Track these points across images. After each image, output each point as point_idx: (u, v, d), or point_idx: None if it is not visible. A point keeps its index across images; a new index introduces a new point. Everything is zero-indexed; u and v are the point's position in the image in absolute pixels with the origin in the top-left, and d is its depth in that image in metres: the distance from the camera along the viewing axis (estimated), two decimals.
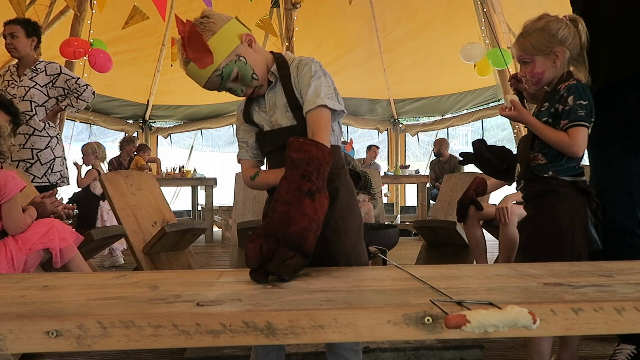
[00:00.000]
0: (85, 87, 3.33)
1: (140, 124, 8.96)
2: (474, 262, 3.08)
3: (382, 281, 0.97)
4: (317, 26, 7.34)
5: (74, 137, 7.95)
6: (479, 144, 1.95)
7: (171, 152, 9.45)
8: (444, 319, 0.66)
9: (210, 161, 10.55)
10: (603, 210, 1.69)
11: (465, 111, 8.55)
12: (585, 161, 1.74)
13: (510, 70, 6.59)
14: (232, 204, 3.84)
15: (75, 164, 5.28)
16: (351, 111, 8.42)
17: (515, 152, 1.91)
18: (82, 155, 5.30)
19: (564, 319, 0.72)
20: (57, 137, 3.35)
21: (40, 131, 3.24)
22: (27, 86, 3.22)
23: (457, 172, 6.10)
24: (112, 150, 7.67)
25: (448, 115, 8.84)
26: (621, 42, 1.71)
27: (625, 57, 1.70)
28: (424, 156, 10.04)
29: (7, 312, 0.73)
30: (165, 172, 7.21)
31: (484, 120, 8.45)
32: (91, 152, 5.20)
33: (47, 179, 3.24)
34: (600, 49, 1.71)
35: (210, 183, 6.53)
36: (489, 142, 1.99)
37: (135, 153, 6.99)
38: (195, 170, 7.43)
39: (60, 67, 3.36)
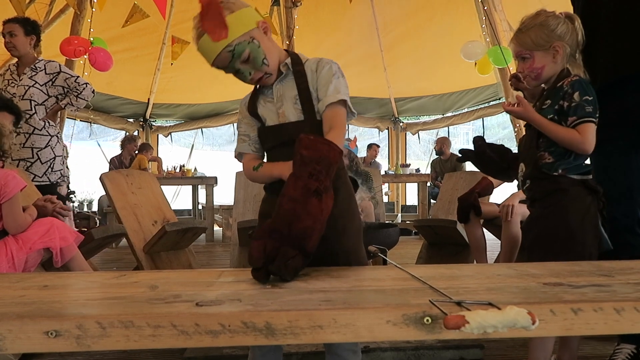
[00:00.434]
0: (84, 85, 3.33)
1: (141, 123, 8.96)
2: (474, 261, 3.08)
3: (382, 281, 0.97)
4: (318, 24, 7.34)
5: (74, 136, 7.96)
6: (480, 141, 1.91)
7: (172, 151, 9.45)
8: (443, 320, 0.66)
9: (210, 160, 10.55)
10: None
11: (466, 109, 8.54)
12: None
13: (510, 68, 6.59)
14: (232, 203, 3.85)
15: None
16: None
17: (515, 150, 1.89)
18: None
19: (563, 319, 0.72)
20: (57, 136, 3.35)
21: (40, 130, 3.24)
22: (27, 85, 3.22)
23: (459, 170, 6.10)
24: (113, 149, 7.69)
25: (449, 114, 8.84)
26: (621, 41, 1.71)
27: (626, 56, 1.70)
28: (424, 155, 10.04)
29: (6, 312, 0.73)
30: (166, 171, 7.22)
31: (484, 118, 8.43)
32: None
33: (48, 177, 3.24)
34: (600, 48, 1.71)
35: (210, 182, 6.52)
36: (490, 141, 1.96)
37: (136, 152, 7.00)
38: (195, 169, 7.44)
39: (59, 65, 3.36)
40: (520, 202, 2.82)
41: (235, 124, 8.89)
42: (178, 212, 6.19)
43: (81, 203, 7.47)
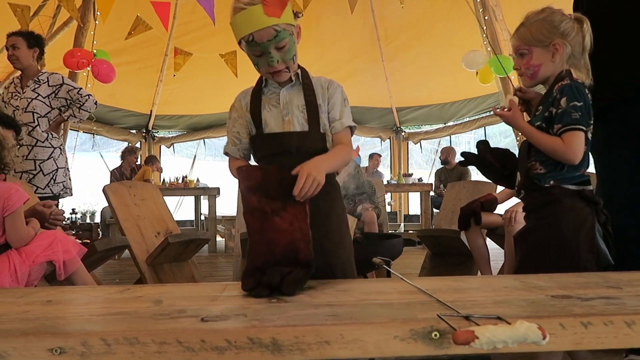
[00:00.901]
0: (87, 97, 3.35)
1: (143, 134, 8.99)
2: (479, 271, 3.06)
3: (388, 294, 0.96)
4: (319, 35, 7.36)
5: (77, 147, 7.98)
6: (483, 145, 1.84)
7: (174, 162, 9.46)
8: (452, 335, 0.65)
9: (213, 170, 10.55)
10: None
11: (467, 118, 8.54)
12: (592, 168, 1.65)
13: (512, 77, 6.60)
14: (235, 214, 3.84)
15: None
16: (354, 119, 8.41)
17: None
18: None
19: (573, 333, 0.71)
20: (60, 148, 3.36)
21: (43, 142, 3.25)
22: (30, 97, 3.24)
23: (464, 179, 6.10)
24: (116, 160, 7.70)
25: (450, 123, 8.84)
26: (625, 63, 1.68)
27: (630, 79, 1.66)
28: (426, 164, 10.02)
29: (10, 328, 0.73)
30: (168, 181, 7.22)
31: (486, 127, 8.42)
32: None
33: (50, 189, 3.24)
34: (605, 67, 1.64)
35: (213, 193, 6.52)
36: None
37: (137, 163, 7.02)
38: (198, 180, 7.44)
39: (62, 77, 3.38)
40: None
41: None
42: (180, 223, 6.20)
43: (84, 215, 7.47)
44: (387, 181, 7.67)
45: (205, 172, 9.16)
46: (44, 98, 3.27)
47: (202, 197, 7.44)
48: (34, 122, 3.22)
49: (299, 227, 1.07)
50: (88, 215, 7.60)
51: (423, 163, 10.23)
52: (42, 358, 0.67)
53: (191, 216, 8.11)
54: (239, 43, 1.35)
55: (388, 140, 9.52)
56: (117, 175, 6.87)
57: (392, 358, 1.95)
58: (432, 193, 6.83)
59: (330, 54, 7.75)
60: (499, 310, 0.78)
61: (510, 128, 7.23)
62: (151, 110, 8.63)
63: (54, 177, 3.27)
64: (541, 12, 1.57)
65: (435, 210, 6.78)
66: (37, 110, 3.24)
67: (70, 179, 3.45)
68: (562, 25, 1.52)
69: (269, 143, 1.37)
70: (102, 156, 8.74)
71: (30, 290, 1.13)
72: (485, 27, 6.62)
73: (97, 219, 7.24)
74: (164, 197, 3.73)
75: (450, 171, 7.10)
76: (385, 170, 9.05)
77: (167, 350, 0.68)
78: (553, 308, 0.80)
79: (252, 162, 1.44)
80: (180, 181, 7.22)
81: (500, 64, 5.98)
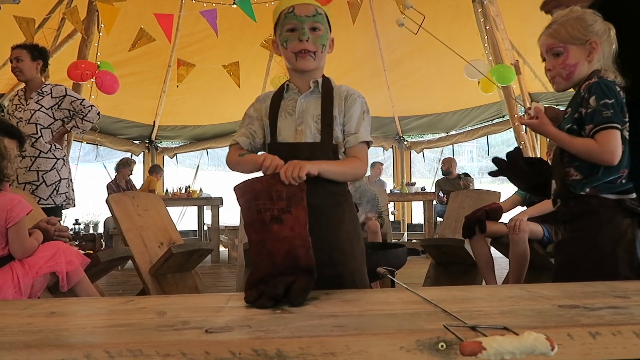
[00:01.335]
0: (90, 108, 3.36)
1: (147, 145, 9.01)
2: (483, 280, 3.04)
3: (393, 305, 0.95)
4: None
5: (80, 158, 8.01)
6: (515, 153, 1.67)
7: (177, 172, 9.47)
8: (459, 346, 0.64)
9: (216, 181, 10.57)
10: None
11: (470, 127, 8.55)
12: None
13: (514, 86, 6.61)
14: (238, 224, 3.83)
15: None
16: None
17: None
18: None
19: (581, 343, 0.70)
20: (63, 159, 3.37)
21: (46, 153, 3.26)
22: (33, 109, 3.25)
23: (466, 189, 6.09)
24: None
25: (453, 132, 8.84)
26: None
27: None
28: (429, 173, 10.02)
29: (14, 341, 0.72)
30: (171, 192, 7.24)
31: (489, 136, 8.43)
32: None
33: (53, 200, 3.25)
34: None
35: (216, 203, 6.52)
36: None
37: (131, 175, 7.07)
38: (201, 190, 7.45)
39: (65, 89, 3.40)
40: (530, 219, 2.80)
41: None
42: (184, 233, 6.20)
43: (87, 225, 7.48)
44: (391, 190, 7.66)
45: (208, 182, 9.17)
46: (47, 109, 3.29)
47: (205, 207, 7.44)
48: (37, 133, 3.23)
49: (298, 233, 1.07)
50: (91, 225, 7.61)
51: (426, 172, 10.23)
52: None
53: (194, 226, 8.11)
54: (276, 25, 1.40)
55: (390, 150, 9.53)
56: (114, 187, 6.89)
57: None
58: (434, 202, 6.82)
59: (333, 64, 7.77)
60: (506, 321, 0.77)
61: (513, 137, 7.25)
62: (154, 121, 8.67)
63: (57, 188, 3.28)
64: (571, 12, 1.48)
65: (438, 219, 6.76)
66: (40, 121, 3.25)
67: (73, 189, 3.45)
68: (596, 25, 1.45)
69: (281, 152, 1.37)
70: (105, 167, 8.76)
71: (34, 302, 1.13)
72: (486, 37, 6.65)
73: (100, 230, 7.25)
74: (167, 208, 3.73)
75: (452, 180, 7.10)
76: (388, 180, 9.04)
77: None
78: (560, 318, 0.79)
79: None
80: (183, 191, 7.23)
81: (505, 72, 6.00)
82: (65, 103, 3.34)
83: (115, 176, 7.08)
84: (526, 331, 0.64)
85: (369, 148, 1.42)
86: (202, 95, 7.95)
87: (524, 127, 6.71)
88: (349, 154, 1.37)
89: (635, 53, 1.51)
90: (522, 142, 6.71)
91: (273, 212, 1.09)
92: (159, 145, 9.20)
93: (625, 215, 1.36)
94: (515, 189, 3.24)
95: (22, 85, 3.44)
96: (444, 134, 9.01)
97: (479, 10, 6.60)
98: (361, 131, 1.38)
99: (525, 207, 3.03)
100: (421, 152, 9.41)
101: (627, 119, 1.39)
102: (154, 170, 7.45)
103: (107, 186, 7.07)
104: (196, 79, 6.82)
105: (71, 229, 6.22)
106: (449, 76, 7.40)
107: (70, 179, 3.44)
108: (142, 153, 9.01)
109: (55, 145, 3.32)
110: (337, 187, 1.36)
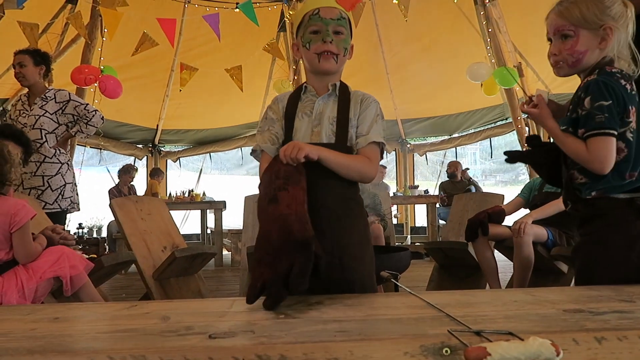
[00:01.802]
0: (94, 112, 3.37)
1: (150, 149, 9.04)
2: (487, 284, 3.03)
3: (397, 309, 0.95)
4: None
5: (84, 162, 8.03)
6: (534, 139, 1.56)
7: (180, 176, 9.49)
8: (464, 352, 0.64)
9: (219, 184, 10.58)
10: None
11: (472, 130, 8.54)
12: None
13: (517, 88, 6.60)
14: (241, 227, 3.83)
15: None
16: None
17: None
18: None
19: (587, 348, 0.70)
20: (67, 164, 3.38)
21: (51, 158, 3.27)
22: (37, 114, 3.27)
23: (469, 192, 6.08)
24: None
25: (456, 135, 8.83)
26: None
27: None
28: (432, 176, 10.00)
29: (17, 347, 0.72)
30: (175, 196, 7.25)
31: (492, 138, 8.41)
32: None
33: (58, 205, 3.26)
34: None
35: (219, 206, 6.52)
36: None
37: (132, 182, 7.09)
38: (204, 194, 7.46)
39: (69, 94, 3.41)
40: (534, 222, 2.79)
41: (243, 149, 8.93)
42: (187, 237, 6.19)
43: (91, 229, 7.50)
44: (394, 193, 7.65)
45: (211, 186, 9.19)
46: (51, 115, 3.30)
47: (208, 210, 7.45)
48: (41, 138, 3.25)
49: (295, 210, 1.07)
50: (95, 229, 7.62)
51: (429, 175, 10.21)
52: None
53: (197, 230, 8.12)
54: (298, 27, 1.42)
55: (393, 152, 9.52)
56: (116, 193, 6.91)
57: None
58: (438, 205, 6.81)
59: None
60: (510, 325, 0.77)
61: (516, 139, 7.24)
62: (157, 125, 8.70)
63: (62, 193, 3.29)
64: None
65: (441, 222, 6.75)
66: (44, 126, 3.27)
67: (77, 194, 3.46)
68: (614, 7, 1.29)
69: None
70: (108, 171, 8.78)
71: (37, 307, 1.13)
72: (489, 39, 6.64)
73: (104, 234, 7.26)
74: (170, 211, 3.74)
75: (457, 183, 7.09)
76: (391, 182, 9.03)
77: None
78: (565, 323, 0.79)
79: None
80: (186, 195, 7.24)
81: (509, 74, 5.99)
82: (69, 108, 3.36)
83: (118, 182, 7.10)
84: (531, 336, 0.64)
85: (382, 151, 1.40)
86: (205, 99, 7.97)
87: (527, 128, 6.71)
88: (361, 154, 1.37)
89: None
90: (525, 145, 6.70)
91: (270, 194, 1.12)
92: (162, 149, 9.23)
93: (637, 217, 1.25)
94: (518, 191, 3.24)
95: (26, 90, 3.45)
96: (446, 137, 9.01)
97: (482, 12, 6.60)
98: (372, 133, 1.38)
99: (528, 210, 3.02)
100: (424, 155, 9.40)
101: (630, 119, 1.27)
102: (155, 174, 7.46)
103: (109, 192, 7.09)
104: (199, 82, 6.83)
105: (75, 233, 6.24)
106: (451, 79, 7.40)
107: (75, 183, 3.45)
108: (146, 157, 9.04)
109: (59, 150, 3.33)
110: (349, 191, 1.37)
